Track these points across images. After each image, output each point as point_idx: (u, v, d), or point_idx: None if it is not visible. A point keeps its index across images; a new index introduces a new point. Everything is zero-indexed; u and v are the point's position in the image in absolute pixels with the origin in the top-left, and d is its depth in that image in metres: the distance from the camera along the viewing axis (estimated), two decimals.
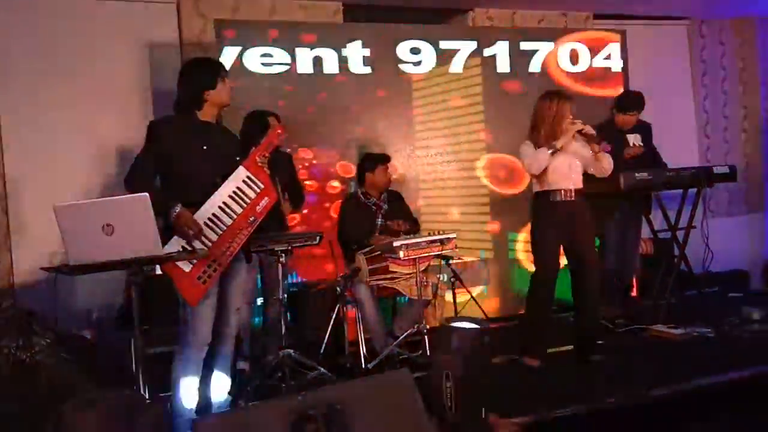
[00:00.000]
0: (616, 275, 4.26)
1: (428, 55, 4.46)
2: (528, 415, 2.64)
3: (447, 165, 4.61)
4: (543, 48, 4.71)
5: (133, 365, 2.99)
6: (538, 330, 3.44)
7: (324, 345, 3.66)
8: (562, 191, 3.32)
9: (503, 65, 4.66)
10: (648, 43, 5.45)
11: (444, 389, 2.22)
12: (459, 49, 4.51)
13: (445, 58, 4.49)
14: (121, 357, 3.38)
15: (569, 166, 3.34)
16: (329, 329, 3.66)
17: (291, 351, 3.23)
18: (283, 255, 3.11)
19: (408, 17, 4.76)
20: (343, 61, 4.23)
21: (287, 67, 4.10)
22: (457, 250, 3.63)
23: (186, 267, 2.40)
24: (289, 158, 3.80)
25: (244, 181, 2.50)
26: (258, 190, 2.51)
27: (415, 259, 3.34)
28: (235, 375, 3.16)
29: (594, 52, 4.84)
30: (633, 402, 2.86)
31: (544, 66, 4.73)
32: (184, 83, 2.55)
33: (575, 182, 3.35)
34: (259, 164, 2.52)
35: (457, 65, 4.52)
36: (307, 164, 4.19)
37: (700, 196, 4.03)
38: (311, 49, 4.16)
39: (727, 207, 5.72)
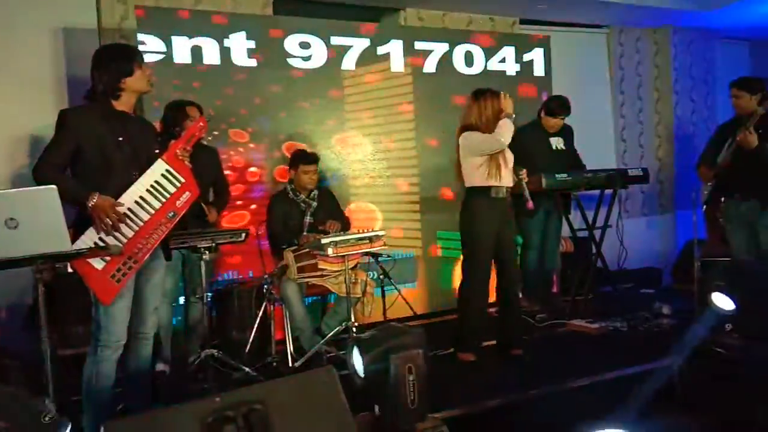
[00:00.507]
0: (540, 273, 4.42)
1: (318, 51, 4.34)
2: (453, 409, 2.69)
3: (378, 163, 4.63)
4: (438, 48, 4.77)
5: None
6: (472, 325, 3.50)
7: (249, 344, 3.59)
8: (498, 188, 3.40)
9: (430, 65, 4.75)
10: (570, 49, 5.68)
11: (407, 383, 2.24)
12: (352, 46, 4.45)
13: (336, 54, 4.39)
14: (30, 360, 3.18)
15: (507, 164, 3.43)
16: (255, 328, 3.59)
17: (214, 351, 3.15)
18: (206, 252, 3.02)
19: (340, 14, 4.73)
20: (225, 53, 4.06)
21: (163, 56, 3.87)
22: (386, 247, 3.64)
23: (99, 264, 2.28)
24: (215, 153, 3.69)
25: (163, 175, 2.40)
26: (178, 185, 2.41)
27: (344, 256, 3.33)
28: (154, 377, 3.05)
29: (490, 54, 4.93)
30: (553, 393, 2.96)
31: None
32: (100, 71, 2.42)
33: (509, 180, 3.45)
34: (180, 157, 2.42)
35: (349, 62, 4.45)
36: (242, 149, 4.11)
37: (615, 196, 4.23)
38: (189, 38, 3.94)
39: (641, 208, 6.04)
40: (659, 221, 6.10)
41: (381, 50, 4.59)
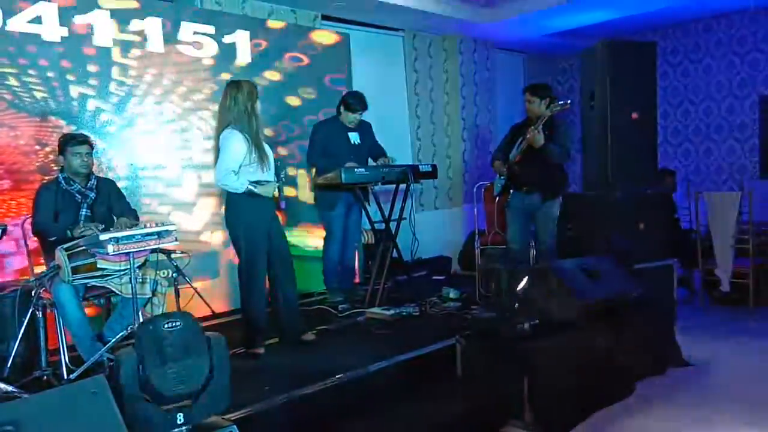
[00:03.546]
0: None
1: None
2: (249, 407, 2.61)
3: (174, 153, 4.33)
4: (238, 36, 4.66)
5: None
6: (256, 320, 3.49)
7: (12, 357, 3.11)
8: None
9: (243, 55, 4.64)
10: (370, 49, 5.90)
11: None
12: (143, 30, 4.15)
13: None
14: None
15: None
16: (19, 338, 3.12)
17: None
18: None
19: None
20: None
21: None
22: (178, 242, 3.41)
23: None
24: None
25: None
26: None
27: (129, 254, 3.03)
28: None
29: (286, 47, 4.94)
30: (354, 378, 3.04)
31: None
32: None
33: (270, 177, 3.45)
34: None
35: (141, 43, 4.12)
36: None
37: (408, 190, 4.49)
38: None
39: (434, 201, 6.51)
40: (449, 214, 6.64)
41: (176, 33, 4.33)
